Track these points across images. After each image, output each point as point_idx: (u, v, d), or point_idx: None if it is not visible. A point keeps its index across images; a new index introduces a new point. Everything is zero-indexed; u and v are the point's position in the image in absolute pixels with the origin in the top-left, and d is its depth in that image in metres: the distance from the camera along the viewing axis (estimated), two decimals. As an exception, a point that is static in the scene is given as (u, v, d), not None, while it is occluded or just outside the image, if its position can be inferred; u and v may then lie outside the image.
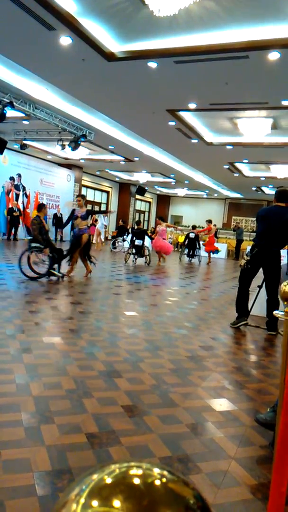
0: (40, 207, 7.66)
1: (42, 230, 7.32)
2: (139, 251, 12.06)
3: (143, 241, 12.06)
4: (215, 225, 17.34)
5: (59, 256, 7.50)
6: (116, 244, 17.01)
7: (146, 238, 12.41)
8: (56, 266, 7.45)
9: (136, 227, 12.68)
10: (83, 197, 8.18)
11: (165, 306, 6.13)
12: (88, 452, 2.01)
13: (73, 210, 8.11)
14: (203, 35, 6.20)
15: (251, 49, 6.21)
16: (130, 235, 13.88)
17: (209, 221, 16.15)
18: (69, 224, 8.15)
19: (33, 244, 7.23)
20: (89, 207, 23.80)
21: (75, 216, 7.94)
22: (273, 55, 6.32)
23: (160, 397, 2.74)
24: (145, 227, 27.18)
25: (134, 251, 12.10)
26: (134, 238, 12.16)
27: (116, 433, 2.20)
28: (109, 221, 25.08)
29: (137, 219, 27.46)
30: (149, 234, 13.85)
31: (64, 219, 18.72)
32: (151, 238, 13.26)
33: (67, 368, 3.08)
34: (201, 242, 15.56)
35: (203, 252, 15.84)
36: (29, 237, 7.31)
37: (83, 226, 7.90)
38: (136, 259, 12.33)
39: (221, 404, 2.75)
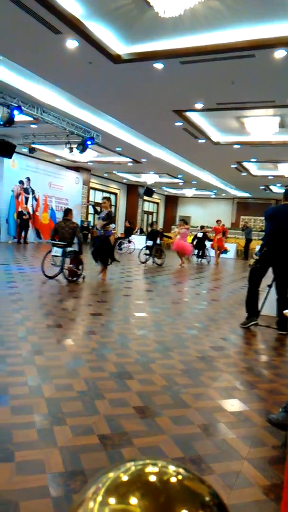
0: (67, 211, 7.85)
1: (76, 233, 7.55)
2: (150, 251, 12.52)
3: (154, 242, 12.49)
4: (223, 224, 17.27)
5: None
6: (122, 246, 17.04)
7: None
8: (80, 267, 7.65)
9: (150, 229, 13.22)
10: (108, 199, 8.30)
11: (175, 306, 6.12)
12: (100, 453, 2.01)
13: (100, 211, 8.21)
14: (209, 35, 6.19)
15: (257, 48, 6.18)
16: (138, 236, 14.28)
17: (219, 221, 16.10)
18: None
19: (69, 249, 7.37)
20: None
21: (98, 217, 8.13)
22: (280, 53, 6.28)
23: (171, 398, 2.74)
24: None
25: (147, 251, 12.59)
26: (147, 239, 12.69)
27: (128, 434, 2.21)
28: (117, 223, 25.11)
29: (145, 220, 27.49)
30: (161, 231, 14.09)
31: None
32: (167, 237, 13.65)
33: (78, 370, 3.09)
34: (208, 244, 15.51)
35: (212, 253, 15.76)
36: (63, 242, 7.35)
37: (108, 228, 8.04)
38: (147, 259, 12.69)
39: (233, 405, 2.74)
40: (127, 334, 4.26)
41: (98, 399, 2.62)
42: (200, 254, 15.22)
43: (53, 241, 7.47)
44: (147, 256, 12.63)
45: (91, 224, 22.48)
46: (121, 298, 6.39)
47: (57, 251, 7.27)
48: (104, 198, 8.41)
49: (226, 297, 7.42)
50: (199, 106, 9.29)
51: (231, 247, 19.22)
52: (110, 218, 8.05)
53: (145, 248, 12.59)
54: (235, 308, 6.26)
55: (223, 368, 3.46)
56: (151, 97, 8.96)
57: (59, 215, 18.39)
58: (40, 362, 3.20)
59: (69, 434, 2.16)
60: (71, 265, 7.51)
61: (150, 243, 12.47)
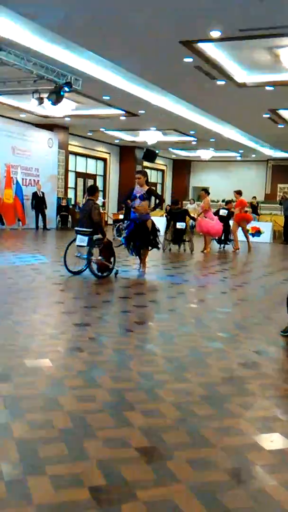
0: (94, 190, 8.30)
1: (91, 214, 7.77)
2: (181, 236, 12.79)
3: (186, 224, 12.90)
4: (254, 197, 17.23)
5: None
6: (121, 231, 17.02)
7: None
8: (112, 259, 8.02)
9: (175, 207, 13.57)
10: (145, 173, 8.82)
11: (191, 310, 6.12)
12: (93, 512, 2.02)
13: (132, 189, 8.63)
14: None
15: None
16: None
17: (239, 192, 15.75)
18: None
19: (95, 237, 7.70)
20: (82, 181, 23.91)
21: (133, 195, 8.40)
22: None
23: (188, 435, 2.74)
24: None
25: (173, 236, 12.86)
26: (173, 221, 12.86)
27: (130, 485, 2.21)
28: (108, 198, 25.05)
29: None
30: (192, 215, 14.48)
31: (47, 198, 18.77)
32: (191, 217, 13.85)
33: (60, 400, 3.10)
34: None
35: (242, 236, 15.53)
36: (87, 229, 7.68)
37: (146, 211, 8.41)
38: (171, 246, 13.11)
39: (273, 441, 2.74)
40: (125, 350, 4.27)
41: (88, 439, 2.62)
42: (223, 238, 15.08)
43: (76, 228, 7.96)
44: (173, 243, 13.03)
45: (72, 202, 22.47)
46: (115, 301, 6.41)
47: (81, 240, 7.66)
48: (138, 172, 8.97)
49: (260, 296, 7.42)
50: (215, 34, 9.21)
51: (266, 227, 19.16)
52: (151, 195, 8.67)
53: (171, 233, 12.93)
54: (273, 311, 6.26)
55: (258, 392, 3.47)
56: (150, 23, 8.88)
57: (27, 192, 18.34)
58: (7, 390, 3.21)
59: (49, 488, 2.17)
60: (99, 257, 7.82)
61: (181, 225, 12.66)
